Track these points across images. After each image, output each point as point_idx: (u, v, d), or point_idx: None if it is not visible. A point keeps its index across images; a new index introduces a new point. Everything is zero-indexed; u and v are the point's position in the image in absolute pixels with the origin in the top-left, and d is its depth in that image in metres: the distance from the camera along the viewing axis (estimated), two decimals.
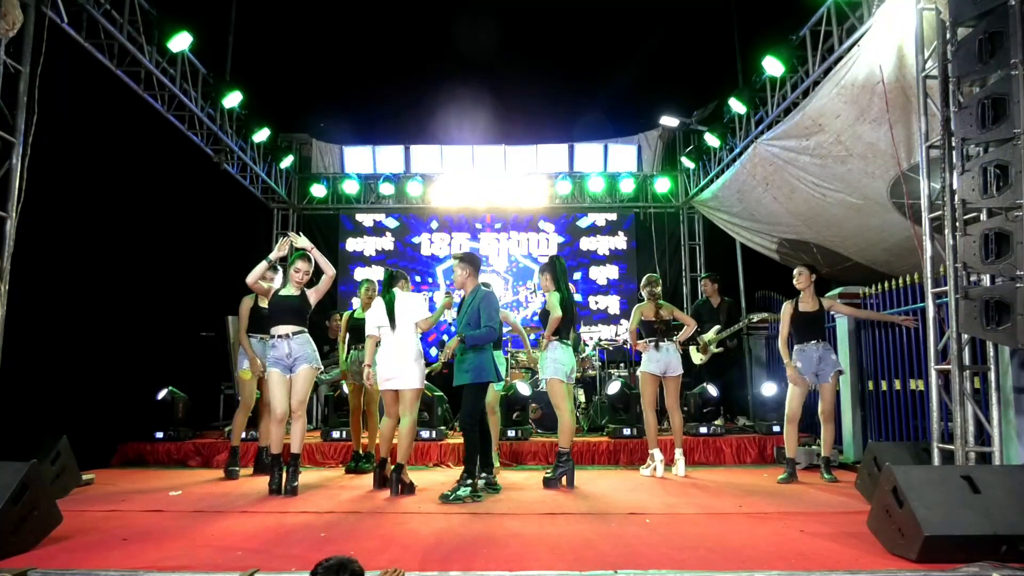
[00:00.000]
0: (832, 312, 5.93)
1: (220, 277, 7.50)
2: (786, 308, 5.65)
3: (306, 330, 5.02)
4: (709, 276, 8.44)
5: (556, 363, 5.26)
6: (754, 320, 7.67)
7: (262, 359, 5.48)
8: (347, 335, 6.22)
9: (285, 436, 5.04)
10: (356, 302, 6.78)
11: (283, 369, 4.93)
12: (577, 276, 9.97)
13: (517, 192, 9.87)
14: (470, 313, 4.90)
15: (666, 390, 5.91)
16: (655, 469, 5.71)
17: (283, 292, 5.08)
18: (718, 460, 6.69)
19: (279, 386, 4.92)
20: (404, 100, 9.41)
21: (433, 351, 9.08)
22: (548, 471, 5.34)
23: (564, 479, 5.16)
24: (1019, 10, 3.62)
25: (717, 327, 7.83)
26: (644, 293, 6.03)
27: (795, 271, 5.65)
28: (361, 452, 6.10)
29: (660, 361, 5.81)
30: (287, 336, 4.93)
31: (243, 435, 6.04)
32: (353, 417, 6.09)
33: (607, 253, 10.08)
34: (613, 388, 7.09)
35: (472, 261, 5.07)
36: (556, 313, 5.22)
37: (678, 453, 5.83)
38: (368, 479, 5.61)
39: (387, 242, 10.10)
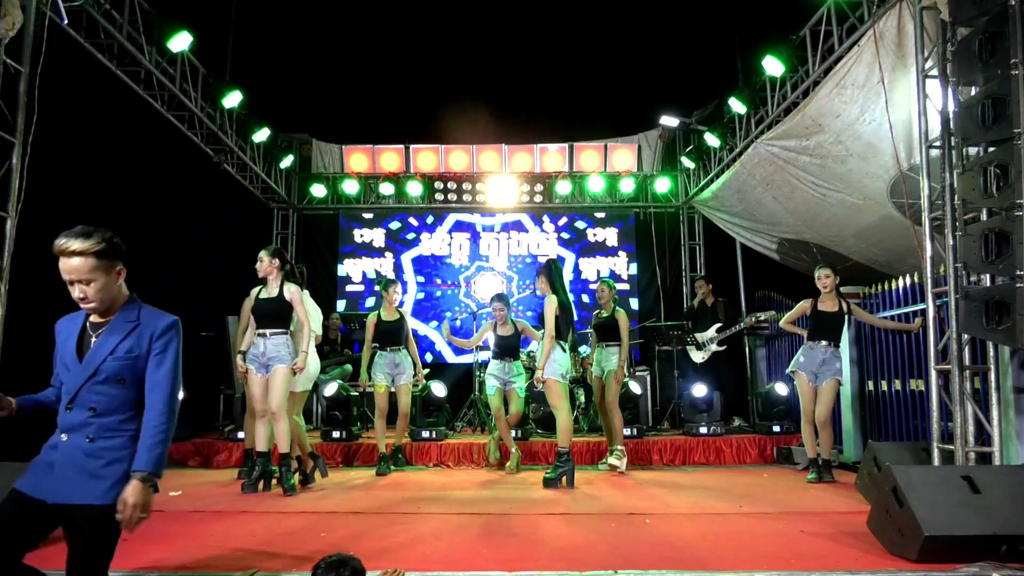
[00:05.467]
0: (853, 317, 5.86)
1: (220, 277, 7.50)
2: (805, 302, 5.68)
3: (286, 332, 4.98)
4: (703, 277, 8.47)
5: (554, 363, 5.30)
6: (761, 318, 7.68)
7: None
8: (372, 338, 6.11)
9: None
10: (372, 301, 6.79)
11: (258, 367, 4.95)
12: (575, 276, 9.97)
13: (517, 192, 9.87)
14: None
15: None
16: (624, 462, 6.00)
17: (262, 295, 5.04)
18: (718, 460, 6.69)
19: (255, 384, 4.96)
20: (404, 100, 9.40)
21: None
22: (548, 471, 5.35)
23: (564, 479, 5.17)
24: (1019, 10, 3.62)
25: (718, 325, 7.84)
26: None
27: (816, 272, 5.62)
28: (387, 453, 6.05)
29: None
30: (264, 335, 4.95)
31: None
32: (380, 419, 5.99)
33: (607, 254, 10.07)
34: None
35: None
36: (550, 317, 5.30)
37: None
38: (368, 477, 5.65)
39: (387, 244, 10.09)
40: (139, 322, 2.25)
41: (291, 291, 5.00)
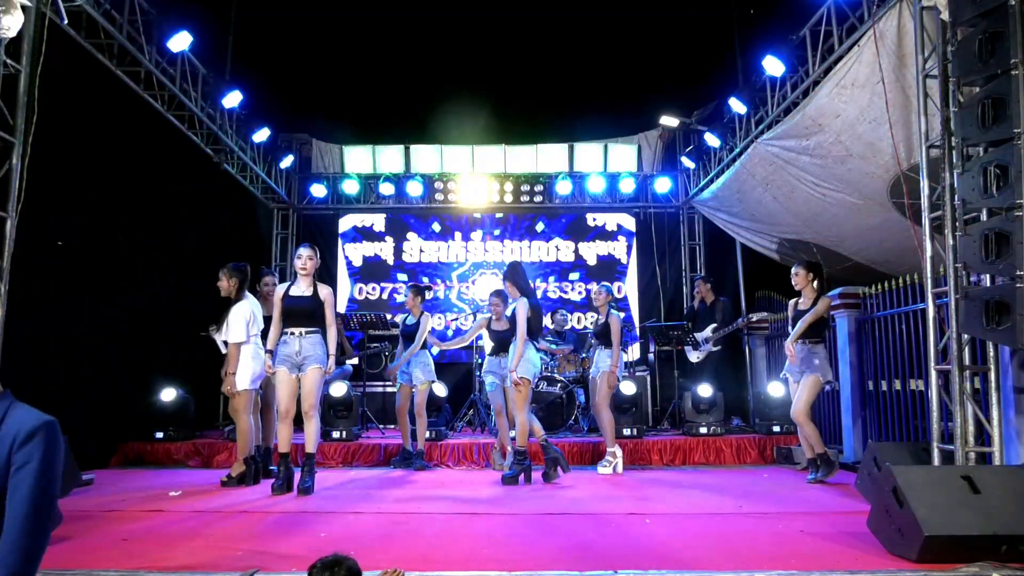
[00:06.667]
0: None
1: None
2: (791, 302, 5.66)
3: (319, 331, 4.95)
4: (702, 278, 8.50)
5: (528, 363, 5.44)
6: (753, 320, 7.68)
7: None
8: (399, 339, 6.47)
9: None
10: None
11: (291, 367, 4.90)
12: (576, 276, 9.97)
13: (517, 192, 9.86)
14: None
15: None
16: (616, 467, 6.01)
17: (294, 292, 4.96)
18: (718, 460, 6.68)
19: (284, 384, 4.89)
20: (404, 100, 9.40)
21: None
22: (506, 468, 5.59)
23: (523, 476, 5.43)
24: (1019, 10, 3.62)
25: (713, 325, 7.85)
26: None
27: (792, 270, 5.60)
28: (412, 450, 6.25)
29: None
30: (298, 334, 4.89)
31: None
32: (401, 415, 6.28)
33: (607, 253, 10.06)
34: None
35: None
36: (522, 320, 5.39)
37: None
38: (366, 478, 5.67)
39: (387, 242, 10.09)
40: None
41: (326, 291, 5.00)
